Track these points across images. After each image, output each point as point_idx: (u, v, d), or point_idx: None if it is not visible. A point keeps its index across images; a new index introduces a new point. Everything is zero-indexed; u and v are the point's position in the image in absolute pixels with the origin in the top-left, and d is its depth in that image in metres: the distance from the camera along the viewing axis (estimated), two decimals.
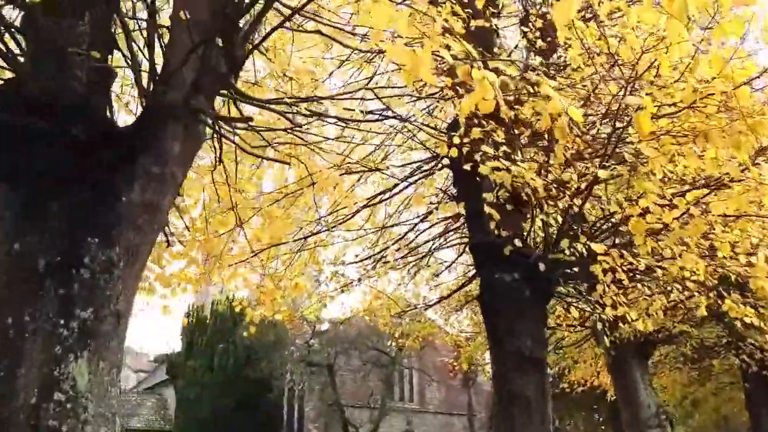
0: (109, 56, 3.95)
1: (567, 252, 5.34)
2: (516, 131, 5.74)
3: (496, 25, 6.50)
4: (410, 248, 7.79)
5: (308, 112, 3.88)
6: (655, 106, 4.55)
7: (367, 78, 7.55)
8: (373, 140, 7.31)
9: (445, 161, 6.85)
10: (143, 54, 3.78)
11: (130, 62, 3.74)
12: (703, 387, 16.78)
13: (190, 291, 7.53)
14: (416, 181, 7.28)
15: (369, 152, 7.63)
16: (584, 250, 5.36)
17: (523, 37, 6.68)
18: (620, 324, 8.78)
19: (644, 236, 4.20)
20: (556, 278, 6.20)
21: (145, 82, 3.76)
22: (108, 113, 3.93)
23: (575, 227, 6.34)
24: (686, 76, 3.95)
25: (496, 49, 6.60)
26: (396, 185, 7.32)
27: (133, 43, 3.82)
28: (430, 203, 7.54)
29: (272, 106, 3.93)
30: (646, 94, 4.46)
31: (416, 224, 7.47)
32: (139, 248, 3.53)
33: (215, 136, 4.32)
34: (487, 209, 5.22)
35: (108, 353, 3.24)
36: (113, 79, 3.93)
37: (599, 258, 5.04)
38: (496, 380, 6.22)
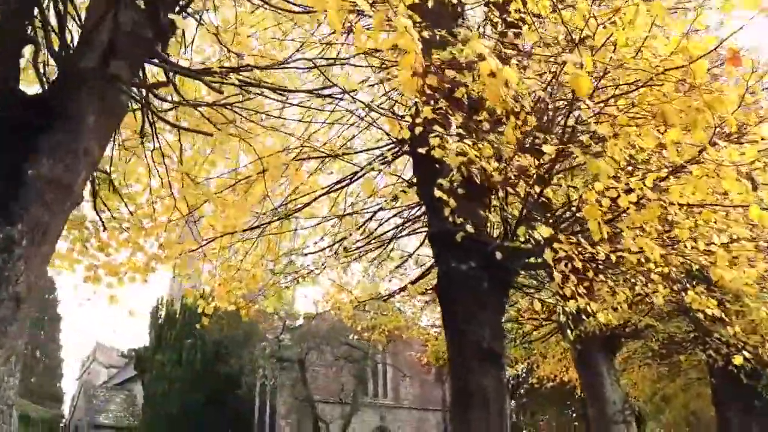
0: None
1: (522, 240, 5.12)
2: (476, 116, 5.52)
3: (459, 3, 6.24)
4: (372, 237, 7.50)
5: (237, 82, 3.59)
6: (613, 86, 4.36)
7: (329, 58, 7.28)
8: (334, 123, 7.03)
9: (407, 147, 6.61)
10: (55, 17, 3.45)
11: (41, 27, 3.43)
12: (672, 383, 16.78)
13: (139, 280, 7.21)
14: (376, 167, 7.01)
15: (330, 137, 7.36)
16: (542, 239, 5.15)
17: (484, 20, 6.45)
18: (584, 317, 8.64)
19: (598, 222, 3.98)
20: (515, 268, 5.99)
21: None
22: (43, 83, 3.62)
23: (537, 215, 6.14)
24: (643, 51, 3.74)
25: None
26: (356, 173, 7.04)
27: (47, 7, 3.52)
28: (392, 193, 7.27)
29: (203, 77, 3.63)
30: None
31: (375, 212, 7.21)
32: (48, 227, 3.23)
33: (146, 109, 4.01)
34: (437, 193, 4.98)
35: (5, 340, 2.94)
36: (29, 47, 3.61)
37: (554, 246, 4.83)
38: (452, 373, 6.00)
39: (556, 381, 14.73)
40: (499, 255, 5.57)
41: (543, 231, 4.31)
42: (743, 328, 9.51)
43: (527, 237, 5.10)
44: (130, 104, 3.65)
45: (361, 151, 6.86)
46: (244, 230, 6.94)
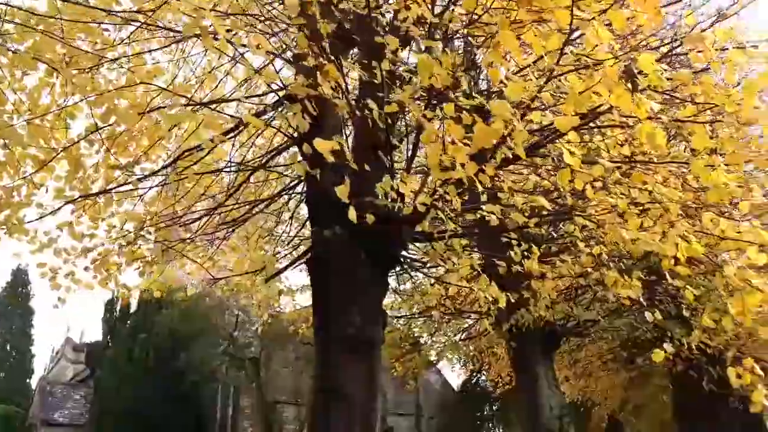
0: None
1: (382, 195, 3.98)
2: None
3: None
4: (252, 201, 6.20)
5: None
6: None
7: None
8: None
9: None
10: None
11: None
12: (641, 392, 15.63)
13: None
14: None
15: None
16: (412, 196, 4.03)
17: None
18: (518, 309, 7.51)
19: (438, 151, 2.82)
20: (400, 237, 4.85)
21: None
22: None
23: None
24: None
25: None
26: (234, 129, 5.87)
27: None
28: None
29: None
30: None
31: (253, 171, 5.94)
32: None
33: None
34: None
35: None
36: None
37: (417, 202, 3.69)
38: (315, 365, 4.86)
39: (512, 383, 13.52)
40: (370, 219, 4.44)
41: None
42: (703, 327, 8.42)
43: (387, 193, 3.96)
44: None
45: (232, 100, 5.69)
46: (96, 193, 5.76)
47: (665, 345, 4.10)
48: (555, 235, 6.90)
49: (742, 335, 9.19)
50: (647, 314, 4.52)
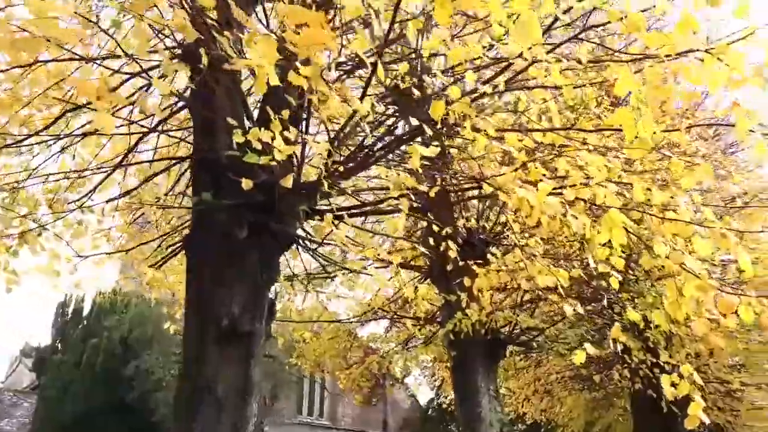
0: None
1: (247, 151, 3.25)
2: None
3: None
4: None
5: None
6: None
7: None
8: None
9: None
10: None
11: None
12: (608, 411, 14.94)
13: None
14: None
15: None
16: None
17: None
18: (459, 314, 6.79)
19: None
20: (288, 210, 4.12)
21: None
22: None
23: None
24: None
25: None
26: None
27: None
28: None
29: None
30: None
31: (143, 135, 5.12)
32: None
33: None
34: None
35: None
36: None
37: (277, 150, 2.96)
38: (184, 361, 4.09)
39: None
40: (247, 185, 3.70)
41: None
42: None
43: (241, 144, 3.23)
44: None
45: (126, 56, 4.94)
46: None
47: (585, 345, 3.40)
48: (487, 227, 6.25)
49: (702, 353, 8.54)
50: (566, 307, 3.81)
